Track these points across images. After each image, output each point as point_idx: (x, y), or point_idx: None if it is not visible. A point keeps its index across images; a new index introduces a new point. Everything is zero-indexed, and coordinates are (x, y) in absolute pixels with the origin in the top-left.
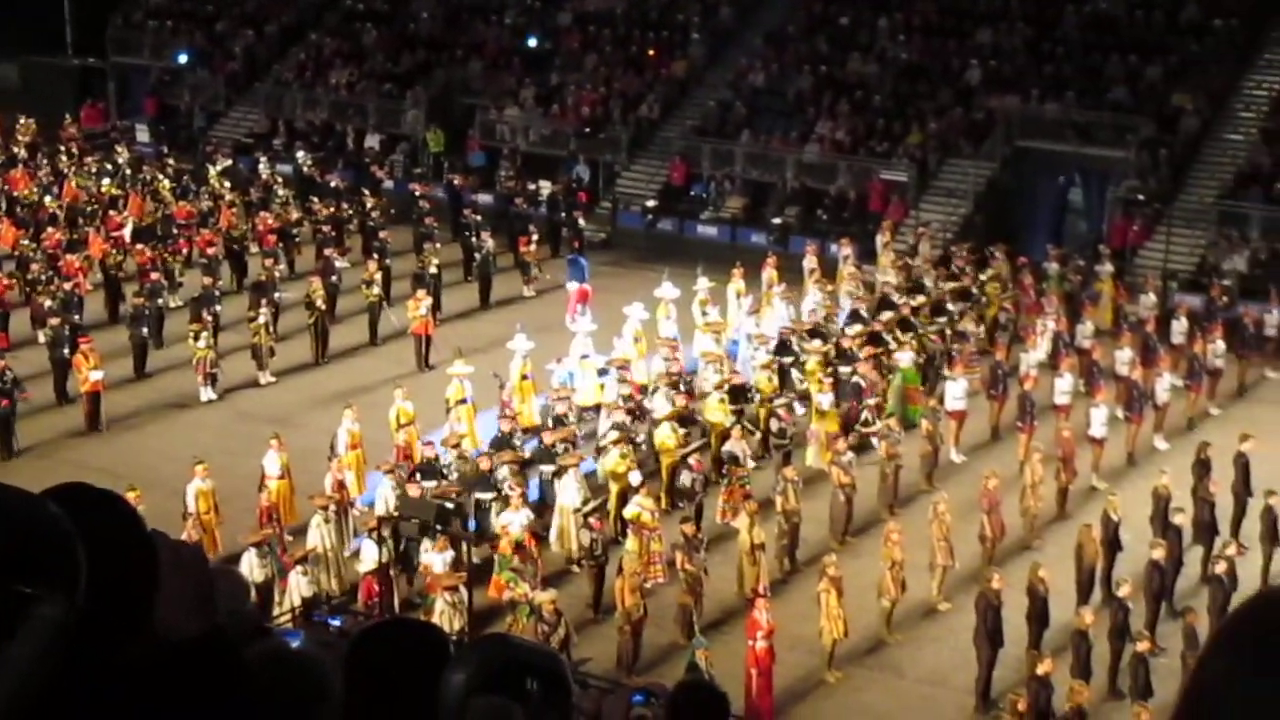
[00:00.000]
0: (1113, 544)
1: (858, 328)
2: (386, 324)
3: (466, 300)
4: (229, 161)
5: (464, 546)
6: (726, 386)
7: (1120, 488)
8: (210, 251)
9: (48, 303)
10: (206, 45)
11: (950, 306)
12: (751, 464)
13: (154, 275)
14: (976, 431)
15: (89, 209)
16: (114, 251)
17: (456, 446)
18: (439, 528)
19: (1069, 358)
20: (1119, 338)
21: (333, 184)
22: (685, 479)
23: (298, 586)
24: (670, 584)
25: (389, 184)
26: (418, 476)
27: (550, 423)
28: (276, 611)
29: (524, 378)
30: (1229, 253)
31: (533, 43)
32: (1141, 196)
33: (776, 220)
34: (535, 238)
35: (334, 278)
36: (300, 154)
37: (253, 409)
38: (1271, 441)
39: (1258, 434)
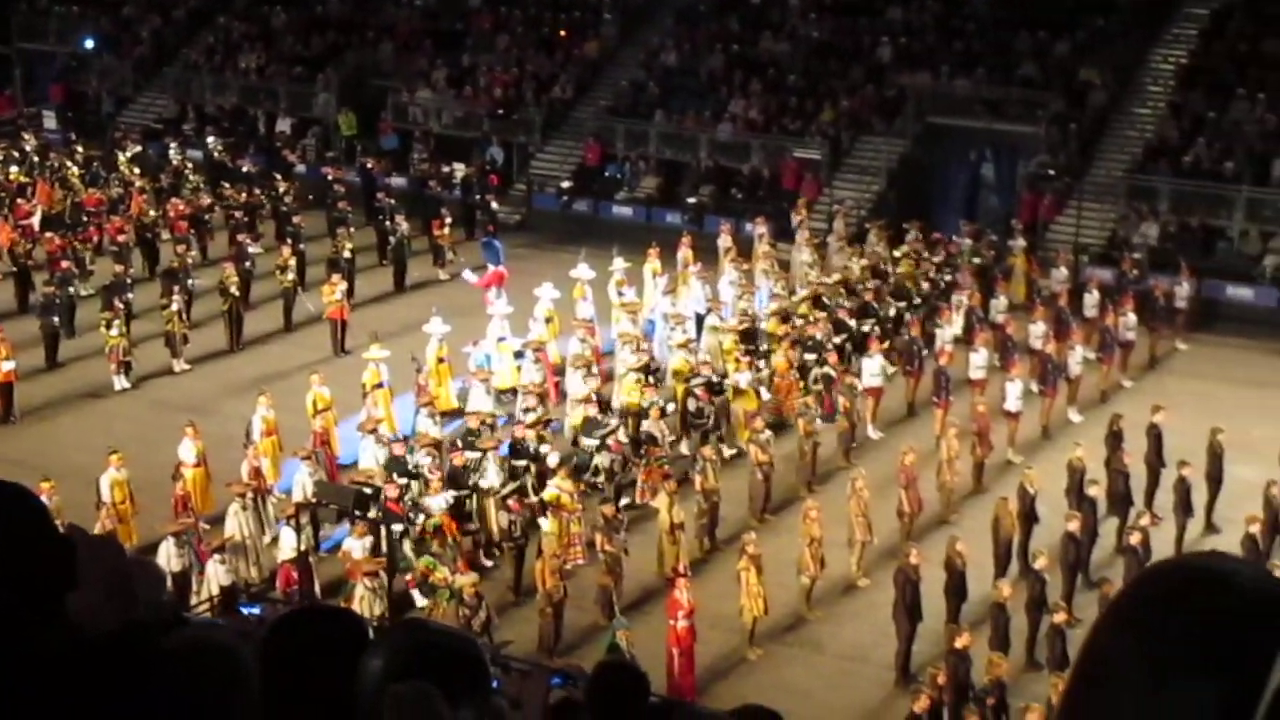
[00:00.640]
0: (1029, 517)
1: (820, 313)
2: (301, 309)
3: (382, 284)
4: (139, 147)
5: (383, 532)
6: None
7: (1035, 461)
8: (121, 239)
9: None
10: (113, 30)
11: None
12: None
13: (64, 264)
14: (893, 408)
15: None
16: (23, 240)
17: (373, 432)
18: (357, 513)
19: (983, 333)
20: (1032, 312)
21: (244, 169)
22: (603, 460)
23: (216, 575)
24: (590, 565)
25: (301, 168)
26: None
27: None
28: (195, 601)
29: (440, 361)
30: (1139, 226)
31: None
32: (1052, 171)
33: (691, 200)
34: (449, 221)
35: (247, 264)
36: (211, 139)
37: (167, 397)
38: (1183, 412)
39: (1169, 405)
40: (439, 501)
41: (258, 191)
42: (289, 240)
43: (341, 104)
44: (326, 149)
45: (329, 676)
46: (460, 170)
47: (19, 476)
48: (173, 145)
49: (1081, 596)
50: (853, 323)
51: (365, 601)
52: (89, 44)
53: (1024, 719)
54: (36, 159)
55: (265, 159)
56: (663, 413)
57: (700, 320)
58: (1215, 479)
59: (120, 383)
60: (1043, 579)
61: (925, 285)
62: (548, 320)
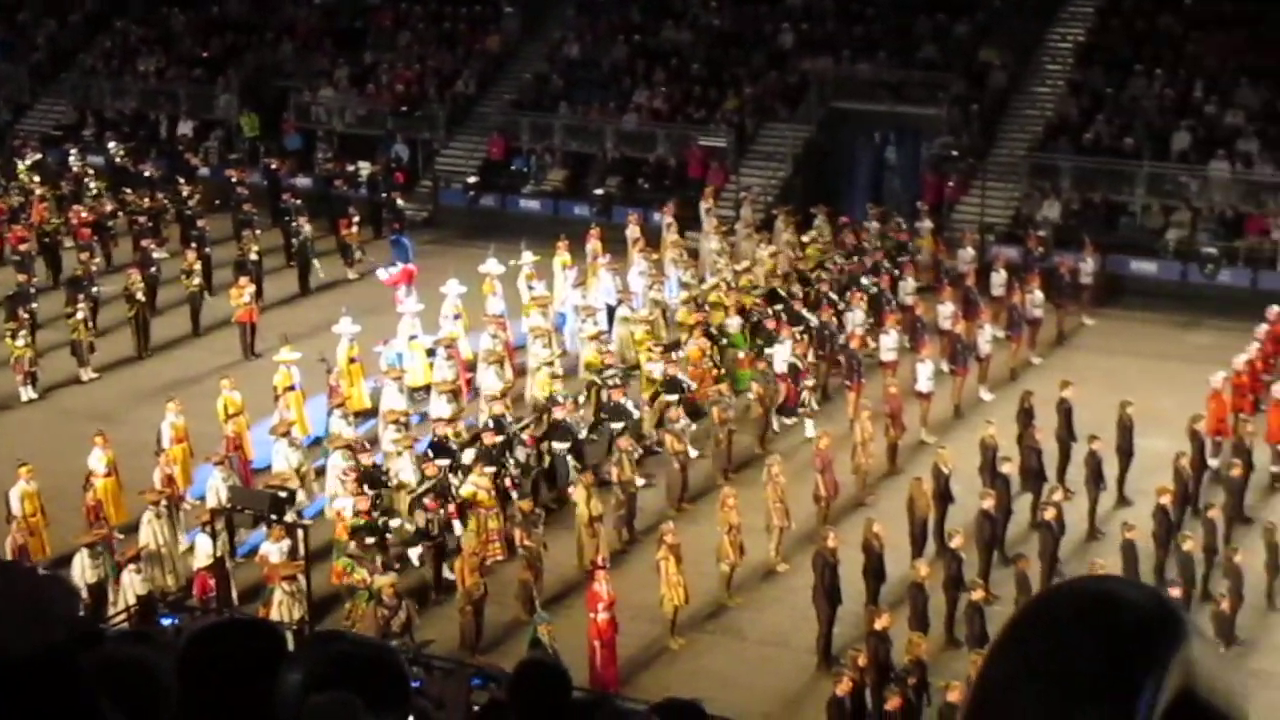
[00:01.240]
0: (944, 496)
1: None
2: (209, 313)
3: (290, 286)
4: (38, 155)
5: (299, 535)
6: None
7: (948, 440)
8: (23, 248)
9: None
10: (8, 36)
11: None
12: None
13: None
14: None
15: None
16: None
17: (286, 434)
18: (273, 517)
19: (893, 315)
20: (940, 292)
21: (147, 173)
22: (520, 455)
23: (131, 585)
24: (509, 560)
25: (204, 171)
26: (430, 454)
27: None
28: (111, 612)
29: (351, 361)
30: (1042, 204)
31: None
32: (955, 152)
33: (598, 191)
34: (356, 219)
35: (153, 269)
36: (112, 144)
37: (75, 406)
38: (1092, 387)
39: (1078, 380)
40: (353, 502)
41: (161, 196)
42: (194, 244)
43: (243, 105)
44: (229, 151)
45: (247, 689)
46: (365, 168)
47: None
48: (73, 152)
49: (998, 573)
50: (808, 313)
51: (284, 606)
52: None
53: (945, 697)
54: None
55: (167, 163)
56: (577, 405)
57: (611, 312)
58: (1125, 452)
59: (27, 393)
60: (959, 557)
61: (834, 269)
62: (455, 316)
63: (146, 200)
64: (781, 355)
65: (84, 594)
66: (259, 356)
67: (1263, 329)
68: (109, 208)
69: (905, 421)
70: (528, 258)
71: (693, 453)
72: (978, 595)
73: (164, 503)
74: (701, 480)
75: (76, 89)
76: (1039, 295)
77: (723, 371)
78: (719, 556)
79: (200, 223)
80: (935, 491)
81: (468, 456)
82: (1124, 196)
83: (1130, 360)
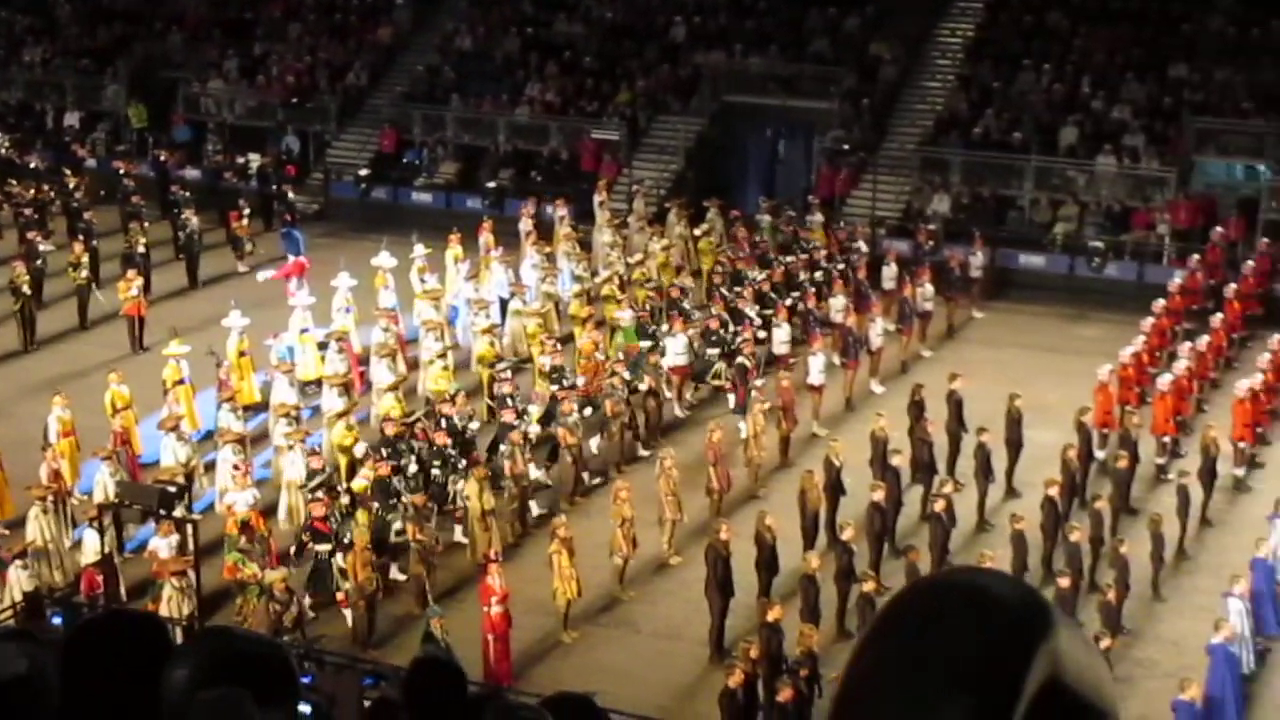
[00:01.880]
0: (835, 488)
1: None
2: (96, 307)
3: (179, 279)
4: None
5: (189, 530)
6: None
7: (840, 433)
8: None
9: None
10: None
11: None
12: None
13: None
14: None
15: None
16: None
17: (175, 429)
18: (162, 512)
19: (785, 309)
20: (833, 286)
21: (32, 165)
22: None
23: (18, 581)
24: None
25: (92, 163)
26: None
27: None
28: None
29: (241, 354)
30: (932, 198)
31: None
32: (846, 146)
33: (491, 184)
34: (247, 212)
35: (39, 261)
36: None
37: None
38: (981, 380)
39: (967, 373)
40: (246, 497)
41: (47, 188)
42: (81, 236)
43: (131, 96)
44: (117, 142)
45: (132, 685)
46: (256, 161)
47: None
48: None
49: (889, 565)
50: (751, 311)
51: (174, 601)
52: None
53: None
54: None
55: (54, 154)
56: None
57: (504, 305)
58: (1014, 444)
59: None
60: (850, 549)
61: (726, 262)
62: (348, 310)
63: (32, 192)
64: (675, 348)
65: None
66: (147, 350)
67: (1148, 322)
68: None
69: (797, 414)
70: (420, 251)
71: (593, 448)
72: (869, 587)
73: (51, 498)
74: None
75: None
76: (929, 289)
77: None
78: (612, 549)
79: (87, 215)
80: (827, 484)
81: (360, 449)
82: (1013, 191)
83: (1019, 353)
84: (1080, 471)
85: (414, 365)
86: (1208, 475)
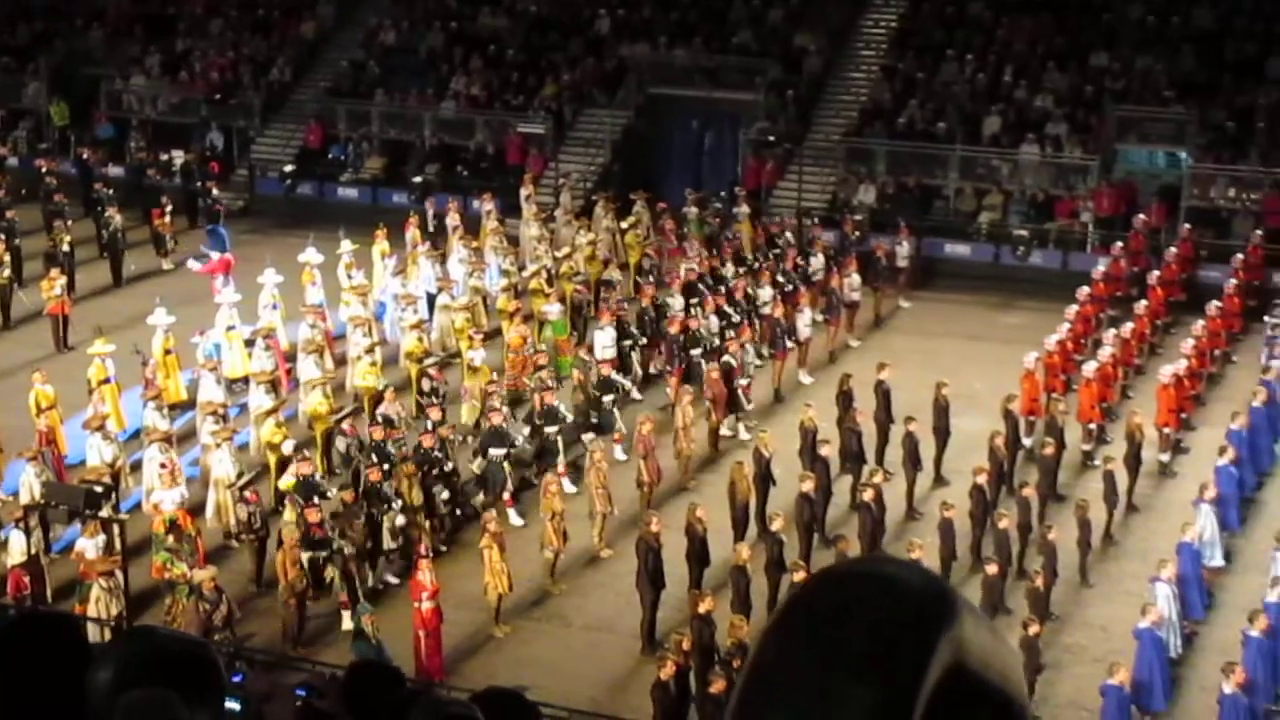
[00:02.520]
0: (765, 479)
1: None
2: (19, 306)
3: (103, 277)
4: None
5: (115, 530)
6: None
7: (769, 424)
8: None
9: None
10: None
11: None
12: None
13: None
14: None
15: None
16: None
17: (100, 428)
18: (88, 512)
19: (714, 300)
20: (759, 276)
21: None
22: (340, 445)
23: None
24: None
25: (13, 161)
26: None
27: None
28: None
29: (167, 353)
30: (858, 188)
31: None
32: (772, 138)
33: (417, 179)
34: (170, 209)
35: None
36: None
37: None
38: (909, 369)
39: (895, 362)
40: (173, 495)
41: None
42: (3, 235)
43: (53, 93)
44: (39, 140)
45: (51, 688)
46: (179, 157)
47: None
48: None
49: (819, 555)
50: (731, 309)
51: (101, 602)
52: None
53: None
54: None
55: None
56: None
57: (431, 300)
58: (942, 432)
59: None
60: (780, 540)
61: (653, 254)
62: (274, 306)
63: None
64: (603, 341)
65: None
66: (72, 349)
67: (1073, 310)
68: None
69: (725, 406)
70: (346, 246)
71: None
72: (799, 577)
73: None
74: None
75: None
76: (856, 278)
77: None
78: (543, 543)
79: (9, 214)
80: (756, 475)
81: (289, 447)
82: (937, 180)
83: (945, 342)
84: (1008, 459)
85: (342, 361)
86: (1133, 461)
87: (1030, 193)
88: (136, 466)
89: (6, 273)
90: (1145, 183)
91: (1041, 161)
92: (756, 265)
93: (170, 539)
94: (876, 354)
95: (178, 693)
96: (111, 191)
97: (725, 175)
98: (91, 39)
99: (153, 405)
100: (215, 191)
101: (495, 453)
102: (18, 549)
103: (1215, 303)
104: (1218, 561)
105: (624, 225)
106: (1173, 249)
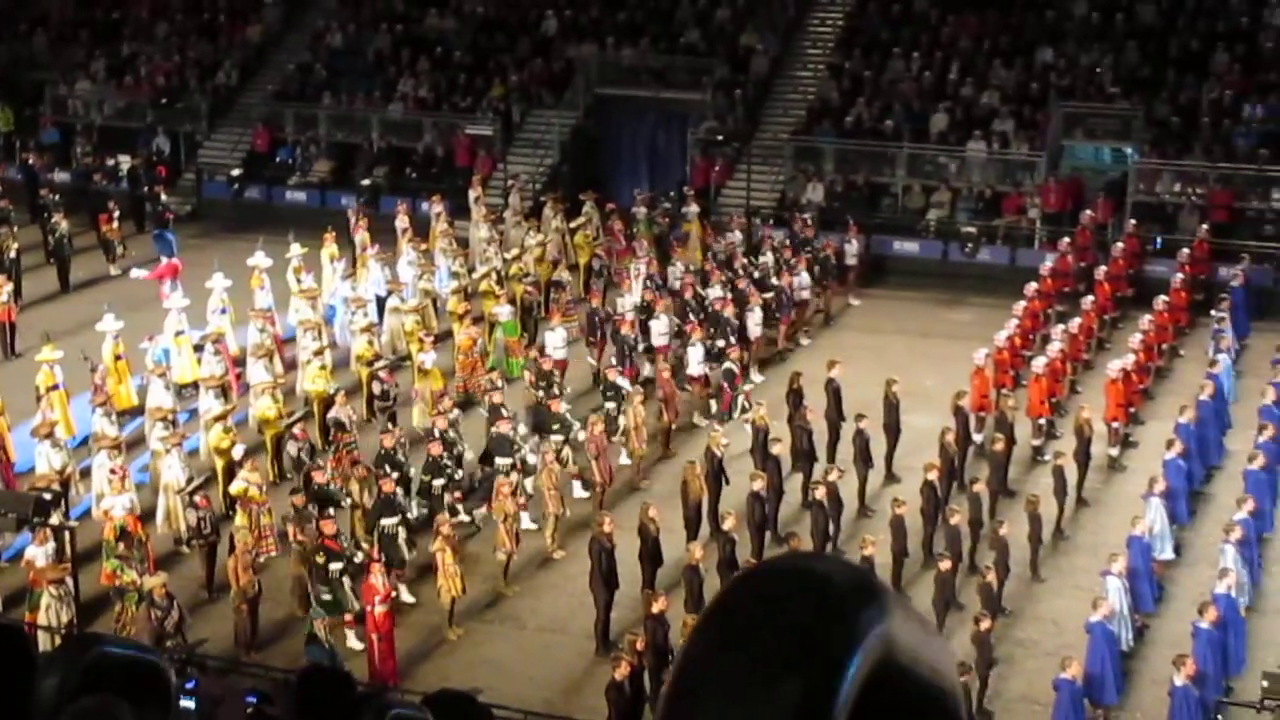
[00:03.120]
0: (717, 478)
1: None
2: None
3: (50, 284)
4: None
5: (65, 537)
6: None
7: (720, 422)
8: None
9: None
10: None
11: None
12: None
13: None
14: (579, 378)
15: None
16: None
17: (49, 435)
18: (38, 520)
19: (662, 299)
20: (709, 276)
21: None
22: (291, 449)
23: None
24: (283, 556)
25: None
26: (386, 469)
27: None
28: None
29: (117, 358)
30: (806, 186)
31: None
32: (720, 137)
33: (365, 181)
34: (117, 214)
35: None
36: None
37: None
38: (859, 366)
39: (845, 360)
40: (123, 501)
41: None
42: None
43: None
44: None
45: None
46: (126, 162)
47: None
48: None
49: (770, 553)
50: (729, 313)
51: (52, 610)
52: None
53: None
54: None
55: None
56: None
57: (381, 303)
58: (893, 429)
59: None
60: (732, 539)
61: (603, 255)
62: (222, 311)
63: None
64: (554, 341)
65: None
66: (20, 356)
67: (1021, 306)
68: None
69: (678, 406)
70: (296, 250)
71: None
72: None
73: None
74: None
75: None
76: (806, 277)
77: (494, 359)
78: (496, 545)
79: None
80: (708, 474)
81: (238, 452)
82: (885, 178)
83: (895, 339)
84: (958, 455)
85: (292, 365)
86: (1083, 456)
87: (978, 190)
88: (86, 473)
89: None
90: (1092, 178)
91: (988, 158)
92: (707, 267)
93: (120, 546)
94: (827, 352)
95: (126, 701)
96: (58, 197)
97: (674, 175)
98: (36, 44)
99: (101, 411)
100: (164, 196)
101: (502, 462)
102: None
103: (1162, 297)
104: (1167, 555)
105: (573, 226)
106: (1119, 244)
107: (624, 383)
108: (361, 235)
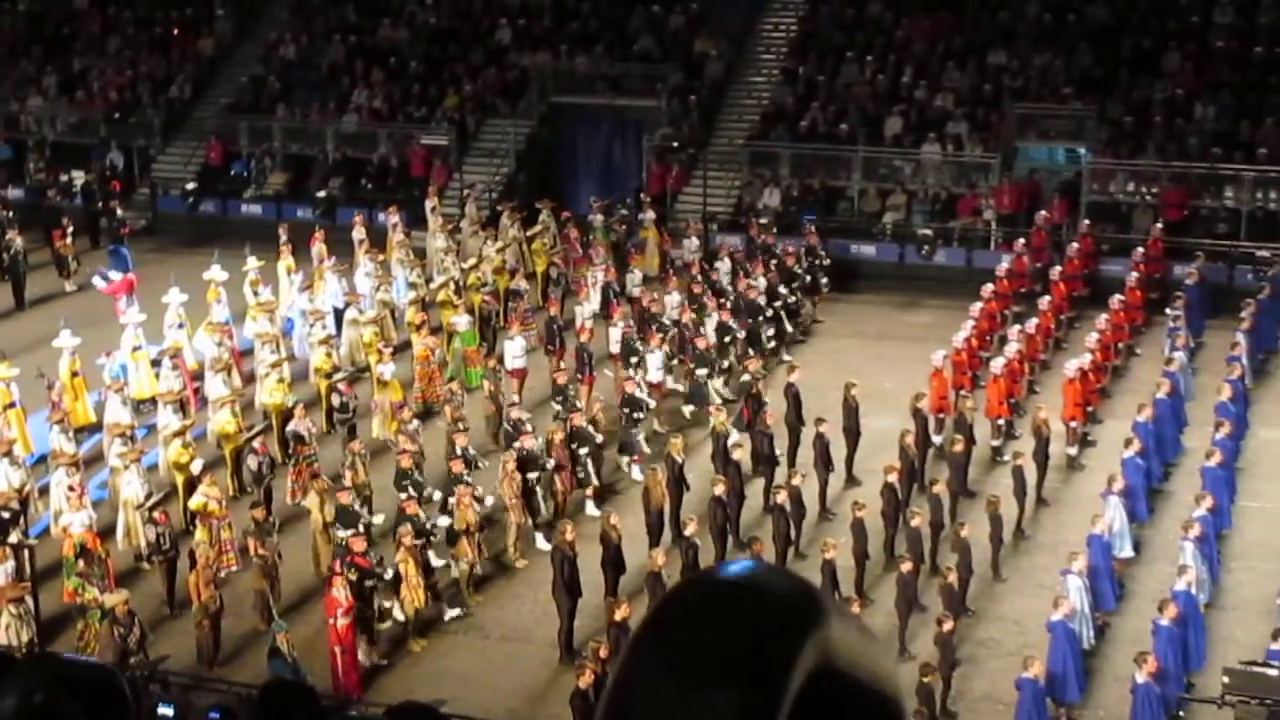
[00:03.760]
0: (678, 484)
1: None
2: None
3: (4, 301)
4: None
5: (25, 555)
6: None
7: (681, 429)
8: None
9: None
10: None
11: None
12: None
13: None
14: (538, 387)
15: None
16: None
17: (7, 453)
18: None
19: (620, 307)
20: (666, 283)
21: None
22: (251, 463)
23: None
24: (244, 570)
25: None
26: (409, 490)
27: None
28: None
29: (74, 375)
30: (763, 191)
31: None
32: (676, 143)
33: (321, 193)
34: (71, 230)
35: None
36: None
37: None
38: (818, 370)
39: (804, 364)
40: (81, 518)
41: None
42: None
43: None
44: None
45: None
46: (80, 178)
47: None
48: None
49: (733, 558)
50: (734, 323)
51: (12, 629)
52: None
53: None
54: None
55: None
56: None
57: (339, 315)
58: (852, 432)
59: None
60: (694, 544)
61: (560, 263)
62: (179, 325)
63: None
64: (512, 350)
65: None
66: None
67: (978, 307)
68: None
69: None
70: (253, 263)
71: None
72: None
73: None
74: (438, 479)
75: None
76: (763, 282)
77: (452, 368)
78: (458, 555)
79: None
80: (669, 480)
81: (197, 466)
82: (841, 182)
83: (853, 342)
84: (918, 457)
85: (250, 379)
86: (1041, 455)
87: (933, 192)
88: (44, 491)
89: None
90: (1046, 179)
91: (943, 161)
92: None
93: (80, 563)
94: (786, 356)
95: (84, 717)
96: (11, 213)
97: (630, 182)
98: None
99: (59, 428)
100: (120, 211)
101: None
102: None
103: (1118, 296)
104: (1127, 553)
105: (530, 234)
106: (1074, 244)
107: (645, 396)
108: (318, 247)
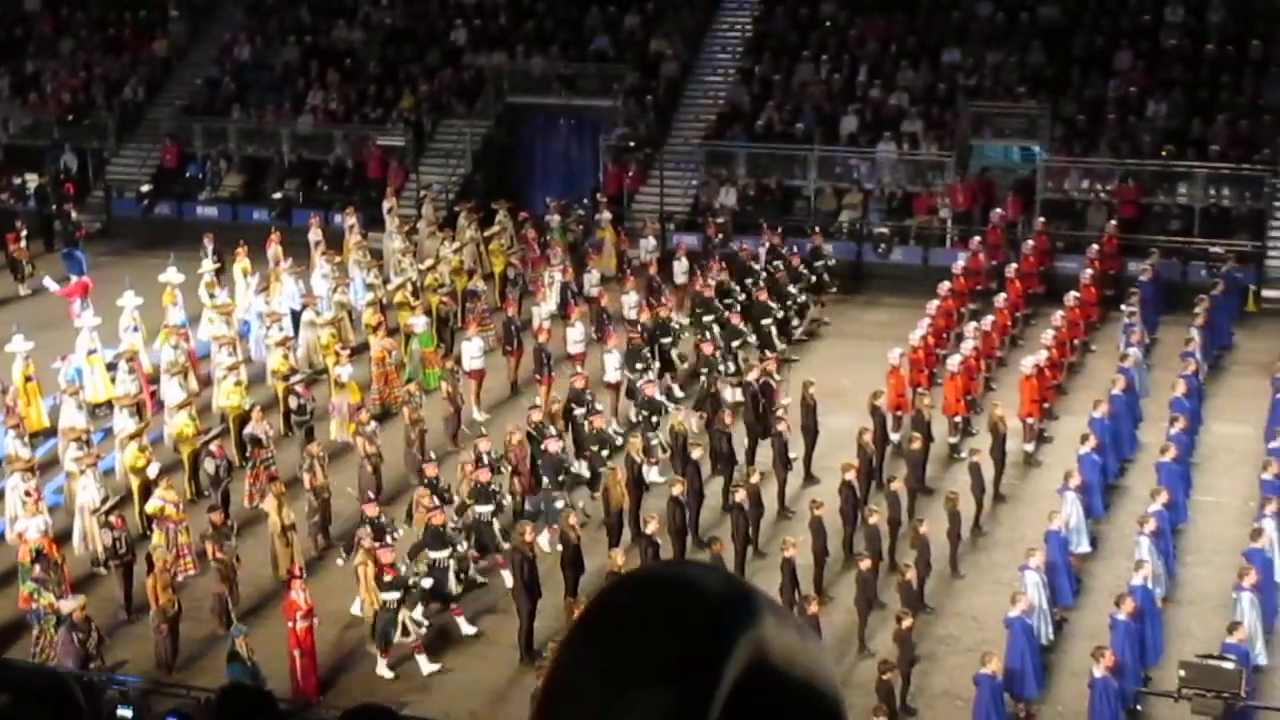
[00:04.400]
0: (638, 484)
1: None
2: None
3: None
4: None
5: None
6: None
7: (639, 429)
8: None
9: None
10: None
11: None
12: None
13: None
14: (496, 388)
15: None
16: None
17: None
18: None
19: (578, 307)
20: (624, 282)
21: None
22: (209, 466)
23: None
24: (202, 574)
25: None
26: (436, 500)
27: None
28: None
29: (28, 379)
30: (719, 191)
31: None
32: (632, 143)
33: (277, 195)
34: (25, 233)
35: None
36: None
37: None
38: (777, 370)
39: (764, 363)
40: (37, 524)
41: None
42: None
43: None
44: None
45: None
46: (33, 180)
47: None
48: None
49: (693, 557)
50: (745, 327)
51: None
52: None
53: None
54: None
55: None
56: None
57: (296, 317)
58: (811, 430)
59: None
60: (654, 543)
61: (517, 264)
62: (135, 328)
63: None
64: (470, 351)
65: None
66: None
67: (934, 305)
68: None
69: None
70: (208, 265)
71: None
72: None
73: None
74: (396, 481)
75: None
76: (715, 282)
77: (410, 370)
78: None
79: None
80: (629, 480)
81: (154, 470)
82: (797, 181)
83: (811, 340)
84: (876, 454)
85: (207, 382)
86: (998, 452)
87: (889, 190)
88: None
89: None
90: (1001, 177)
91: (899, 159)
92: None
93: (36, 568)
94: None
95: None
96: None
97: (586, 182)
98: None
99: (14, 433)
100: (74, 214)
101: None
102: None
103: (1073, 293)
104: (1084, 548)
105: (487, 235)
106: (1029, 241)
107: (662, 398)
108: (274, 249)
